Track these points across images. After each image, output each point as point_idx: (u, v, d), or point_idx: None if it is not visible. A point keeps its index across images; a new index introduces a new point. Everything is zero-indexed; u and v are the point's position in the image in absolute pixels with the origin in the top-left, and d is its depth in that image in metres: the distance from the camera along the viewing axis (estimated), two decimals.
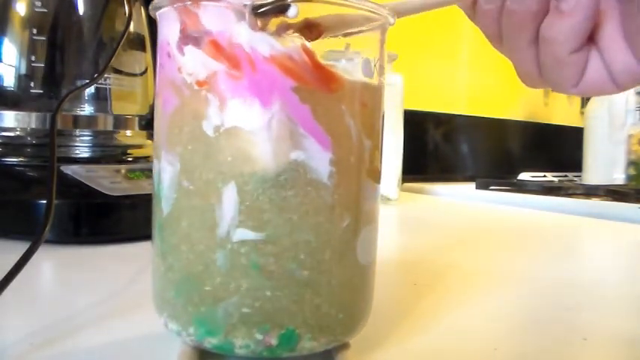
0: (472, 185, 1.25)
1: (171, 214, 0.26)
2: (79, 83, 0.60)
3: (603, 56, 0.29)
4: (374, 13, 0.27)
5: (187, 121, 0.25)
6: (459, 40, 1.48)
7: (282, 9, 0.25)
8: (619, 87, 0.29)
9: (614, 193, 1.08)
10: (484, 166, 1.56)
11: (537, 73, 0.31)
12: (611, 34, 0.28)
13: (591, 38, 0.29)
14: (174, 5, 0.26)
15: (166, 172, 0.26)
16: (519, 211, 0.99)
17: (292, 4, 0.25)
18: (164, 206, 0.26)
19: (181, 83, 0.25)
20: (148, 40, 0.68)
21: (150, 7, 0.27)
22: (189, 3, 0.25)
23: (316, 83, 0.24)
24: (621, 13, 0.28)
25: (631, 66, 0.28)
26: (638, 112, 1.34)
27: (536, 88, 0.33)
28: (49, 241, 0.51)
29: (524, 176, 1.46)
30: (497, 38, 0.31)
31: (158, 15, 0.27)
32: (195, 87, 0.25)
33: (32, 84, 0.59)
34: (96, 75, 0.59)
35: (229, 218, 0.24)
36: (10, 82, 0.59)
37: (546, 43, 0.29)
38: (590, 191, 1.13)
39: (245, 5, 0.24)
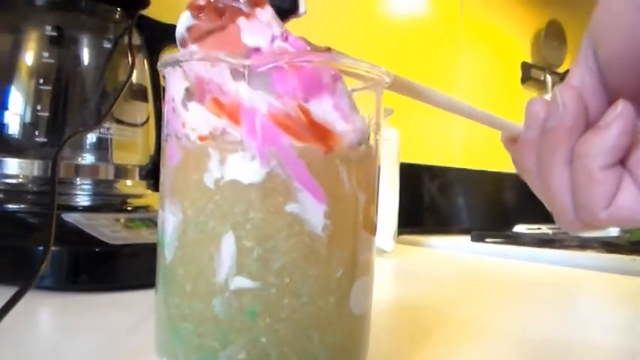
0: (467, 238, 1.26)
1: (174, 261, 0.27)
2: (83, 134, 0.61)
3: (636, 179, 0.28)
4: (370, 73, 0.29)
5: (190, 174, 0.27)
6: (455, 94, 1.51)
7: (292, 9, 0.27)
8: None
9: (608, 246, 1.09)
10: (479, 218, 1.57)
11: (572, 205, 0.30)
12: None
13: (623, 163, 0.28)
14: (180, 64, 0.27)
15: (169, 221, 0.27)
16: (515, 264, 1.00)
17: (301, 3, 0.26)
18: (167, 254, 0.27)
19: (185, 138, 0.27)
20: (150, 91, 0.69)
21: (158, 65, 0.29)
22: (193, 62, 0.27)
23: (312, 140, 0.26)
24: None
25: None
26: None
27: (573, 231, 0.32)
28: (48, 288, 0.52)
29: (519, 228, 1.47)
30: (534, 169, 0.32)
31: (165, 72, 0.29)
32: (198, 142, 0.26)
33: (37, 132, 0.60)
34: (98, 120, 0.60)
35: (227, 267, 0.26)
36: (15, 129, 0.60)
37: (579, 158, 0.28)
38: (585, 243, 1.14)
39: (245, 65, 0.26)
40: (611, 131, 0.27)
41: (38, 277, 0.42)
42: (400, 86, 0.32)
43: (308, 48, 0.28)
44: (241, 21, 0.27)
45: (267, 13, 0.28)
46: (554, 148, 0.30)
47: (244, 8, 0.28)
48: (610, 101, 0.29)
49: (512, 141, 0.35)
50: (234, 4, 0.28)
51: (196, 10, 0.28)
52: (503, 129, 0.36)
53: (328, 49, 0.29)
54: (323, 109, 0.26)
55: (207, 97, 0.26)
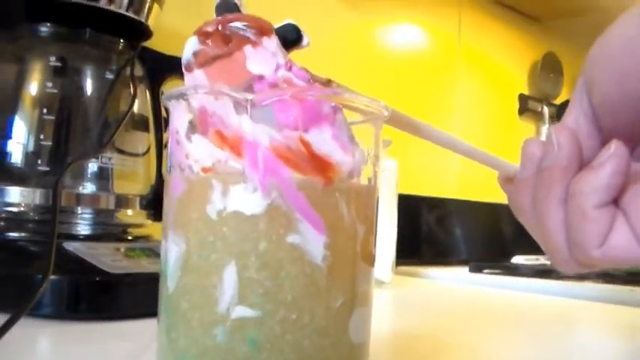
0: (466, 269, 1.26)
1: (176, 291, 0.28)
2: (83, 161, 0.62)
3: (629, 218, 0.28)
4: (369, 107, 0.29)
5: (193, 205, 0.27)
6: (452, 125, 1.52)
7: (296, 41, 0.27)
8: None
9: (605, 276, 1.09)
10: (477, 249, 1.57)
11: (566, 244, 0.30)
12: (636, 196, 0.28)
13: (617, 203, 0.29)
14: (184, 97, 0.28)
15: (172, 251, 0.28)
16: (513, 294, 1.00)
17: (304, 35, 0.27)
18: (169, 283, 0.28)
19: (188, 169, 0.28)
20: (152, 121, 0.70)
21: (162, 97, 0.29)
22: (197, 95, 0.27)
23: (312, 172, 0.27)
24: None
25: None
26: None
27: (568, 271, 0.32)
28: (48, 316, 0.52)
29: (517, 259, 1.47)
30: (529, 208, 0.32)
31: (170, 105, 0.29)
32: (201, 173, 0.27)
33: (39, 161, 0.61)
34: (99, 147, 0.61)
35: (229, 296, 0.26)
36: (17, 158, 0.61)
37: (574, 196, 0.29)
38: (583, 274, 1.14)
39: (247, 99, 0.26)
40: (605, 170, 0.28)
41: (33, 304, 0.42)
42: (398, 121, 0.33)
43: (310, 78, 0.29)
44: (247, 49, 0.28)
45: (272, 42, 0.29)
46: (550, 187, 0.30)
47: (251, 37, 0.29)
48: (604, 143, 0.30)
49: (508, 181, 0.35)
50: (241, 32, 0.29)
51: (204, 35, 0.29)
52: (500, 169, 0.36)
53: (329, 81, 0.30)
54: (322, 138, 0.27)
55: (211, 129, 0.27)
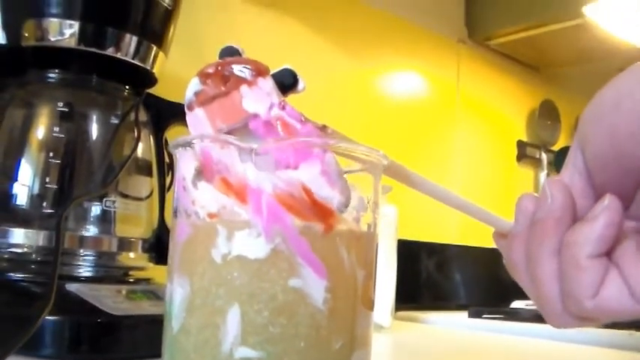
0: (465, 314, 1.26)
1: (181, 331, 0.28)
2: (87, 204, 0.63)
3: (622, 271, 0.29)
4: (368, 156, 0.31)
5: (198, 249, 0.28)
6: (452, 171, 1.53)
7: (292, 85, 0.29)
8: (638, 301, 0.28)
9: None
10: (477, 294, 1.57)
11: (559, 296, 0.30)
12: (629, 250, 0.29)
13: (610, 256, 0.29)
14: (191, 145, 0.29)
15: (177, 293, 0.29)
16: (512, 339, 1.00)
17: (300, 79, 0.29)
18: (174, 324, 0.29)
19: (194, 215, 0.29)
20: (155, 166, 0.71)
21: (169, 145, 0.31)
22: (203, 144, 0.29)
23: (314, 219, 0.28)
24: (638, 231, 0.29)
25: None
26: None
27: (560, 325, 0.32)
28: (49, 357, 0.52)
29: (517, 304, 1.47)
30: (523, 262, 0.32)
31: (177, 152, 0.31)
32: (207, 219, 0.28)
33: (44, 203, 0.62)
34: (102, 186, 0.62)
35: (232, 337, 0.27)
36: (22, 200, 0.62)
37: (568, 247, 0.29)
38: None
39: (252, 149, 0.28)
40: (599, 222, 0.28)
41: (25, 340, 0.43)
42: (395, 173, 0.34)
43: (302, 117, 0.30)
44: (244, 88, 0.30)
45: (268, 83, 0.30)
46: (543, 238, 0.30)
47: (248, 77, 0.30)
48: (597, 201, 0.30)
49: (502, 237, 0.36)
50: (238, 73, 0.30)
51: (204, 76, 0.31)
52: (494, 224, 0.37)
53: (324, 127, 0.31)
54: (311, 174, 0.28)
55: (216, 177, 0.28)
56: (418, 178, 0.35)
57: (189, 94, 0.31)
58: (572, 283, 0.29)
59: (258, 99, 0.30)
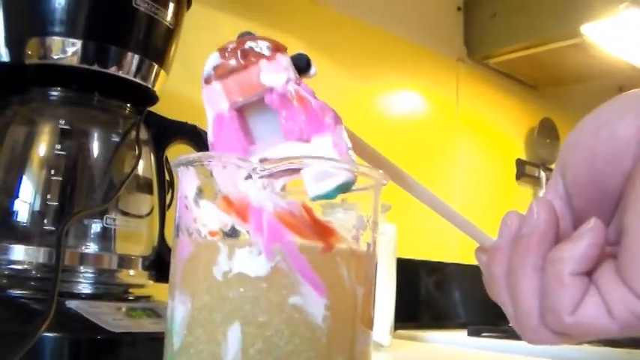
0: (464, 332, 1.26)
1: (182, 348, 0.29)
2: (88, 221, 0.63)
3: (600, 290, 0.29)
4: (369, 176, 0.31)
5: (200, 266, 0.29)
6: (451, 190, 1.54)
7: (306, 68, 0.29)
8: (615, 319, 0.29)
9: (604, 339, 1.09)
10: (476, 312, 1.57)
11: (538, 310, 0.31)
12: (608, 271, 0.30)
13: (591, 277, 0.30)
14: (193, 164, 0.29)
15: (179, 310, 0.29)
16: (512, 358, 0.99)
17: (313, 65, 0.29)
18: (175, 341, 0.29)
19: (196, 232, 0.29)
20: (155, 184, 0.72)
21: (172, 164, 0.31)
22: (205, 163, 0.29)
23: (314, 237, 0.28)
24: (617, 255, 0.30)
25: (626, 296, 0.29)
26: None
27: (535, 341, 0.33)
28: None
29: None
30: (502, 276, 0.33)
31: (179, 172, 0.31)
32: (208, 237, 0.28)
33: (45, 220, 0.62)
34: (102, 201, 0.62)
35: (233, 353, 0.27)
36: (23, 217, 0.62)
37: (552, 263, 0.30)
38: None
39: (254, 168, 0.28)
40: (583, 241, 0.29)
41: (21, 355, 0.43)
42: (388, 169, 0.34)
43: (315, 96, 0.30)
44: (262, 62, 0.31)
45: (285, 58, 0.31)
46: (527, 252, 0.31)
47: (267, 52, 0.31)
48: (575, 226, 0.32)
49: (483, 252, 0.36)
50: (257, 48, 0.31)
51: (224, 51, 0.31)
52: (477, 238, 0.38)
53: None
54: (323, 145, 0.29)
55: (218, 195, 0.28)
56: (407, 178, 0.36)
57: (207, 68, 0.32)
58: (553, 298, 0.30)
59: (276, 72, 0.31)
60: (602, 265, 0.30)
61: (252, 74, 0.31)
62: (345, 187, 0.30)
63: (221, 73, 0.31)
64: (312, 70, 0.33)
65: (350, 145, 0.30)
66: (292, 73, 0.31)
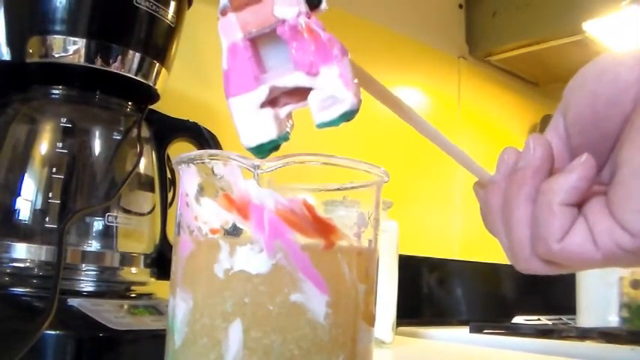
0: (466, 329, 1.26)
1: (183, 345, 0.29)
2: (90, 219, 0.63)
3: (588, 221, 0.31)
4: (369, 173, 0.31)
5: (201, 264, 0.29)
6: (452, 187, 1.54)
7: (316, 3, 0.30)
8: (599, 249, 0.31)
9: (607, 336, 1.09)
10: (478, 309, 1.57)
11: (529, 239, 0.33)
12: (597, 205, 0.31)
13: (579, 210, 0.31)
14: (194, 162, 0.29)
15: (180, 308, 0.29)
16: (514, 355, 1.00)
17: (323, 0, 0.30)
18: (176, 338, 0.29)
19: (197, 230, 0.29)
20: (157, 182, 0.72)
21: (173, 162, 0.31)
22: (206, 161, 0.29)
23: (315, 234, 0.28)
24: (606, 192, 0.31)
25: (611, 228, 0.30)
26: None
27: (526, 269, 0.34)
28: None
29: (518, 319, 1.47)
30: (498, 209, 0.35)
31: (180, 169, 0.31)
32: (210, 234, 0.28)
33: (47, 218, 0.62)
34: (105, 199, 0.62)
35: (234, 351, 0.27)
36: (25, 215, 0.62)
37: (544, 194, 0.32)
38: (584, 334, 1.14)
39: (255, 165, 0.28)
40: (574, 174, 0.31)
41: (23, 354, 0.43)
42: (384, 96, 0.35)
43: (324, 29, 0.31)
44: None
45: None
46: (521, 184, 0.33)
47: None
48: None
49: (482, 187, 0.38)
50: None
51: None
52: (475, 173, 0.39)
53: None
54: (330, 75, 0.29)
55: (219, 193, 0.28)
56: (405, 107, 0.36)
57: (223, 1, 0.32)
58: (543, 226, 0.32)
59: (289, 5, 0.31)
60: (593, 200, 0.31)
61: (267, 7, 0.31)
62: (349, 115, 0.30)
63: (237, 5, 0.32)
64: (323, 5, 0.33)
65: (354, 75, 0.30)
66: (304, 7, 0.31)
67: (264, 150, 0.30)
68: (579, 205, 0.31)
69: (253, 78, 0.31)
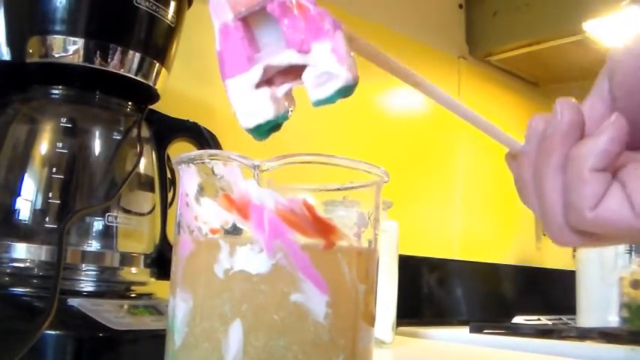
0: (466, 329, 1.26)
1: (183, 345, 0.29)
2: (90, 219, 0.63)
3: (626, 187, 0.29)
4: (369, 173, 0.31)
5: (201, 264, 0.29)
6: (452, 187, 1.54)
7: None
8: (638, 215, 0.29)
9: (607, 336, 1.09)
10: (478, 309, 1.57)
11: (562, 209, 0.31)
12: (635, 168, 0.30)
13: (615, 175, 0.30)
14: (194, 162, 0.29)
15: (180, 308, 0.29)
16: (514, 355, 1.00)
17: None
18: (177, 338, 0.29)
19: (197, 230, 0.29)
20: (157, 182, 0.72)
21: (173, 162, 0.31)
22: (206, 161, 0.29)
23: (315, 234, 0.28)
24: None
25: None
26: (627, 254, 1.36)
27: (561, 242, 0.33)
28: None
29: (518, 319, 1.47)
30: (530, 181, 0.34)
31: (180, 169, 0.31)
32: (210, 234, 0.28)
33: (47, 218, 0.62)
34: (105, 199, 0.62)
35: (234, 351, 0.27)
36: (25, 215, 0.62)
37: (573, 160, 0.30)
38: (584, 334, 1.14)
39: (255, 166, 0.28)
40: (603, 137, 0.30)
41: (23, 354, 0.43)
42: (393, 69, 0.34)
43: (315, 4, 0.30)
44: None
45: None
46: (550, 153, 0.32)
47: None
48: None
49: (513, 157, 0.37)
50: None
51: None
52: (505, 143, 0.38)
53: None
54: (322, 51, 0.29)
55: (219, 193, 0.28)
56: (424, 82, 0.36)
57: None
58: (574, 194, 0.30)
59: None
60: (630, 166, 0.30)
61: None
62: (345, 91, 0.30)
63: None
64: None
65: (349, 49, 0.30)
66: None
67: (262, 131, 0.29)
68: (614, 170, 0.30)
69: (246, 58, 0.30)
